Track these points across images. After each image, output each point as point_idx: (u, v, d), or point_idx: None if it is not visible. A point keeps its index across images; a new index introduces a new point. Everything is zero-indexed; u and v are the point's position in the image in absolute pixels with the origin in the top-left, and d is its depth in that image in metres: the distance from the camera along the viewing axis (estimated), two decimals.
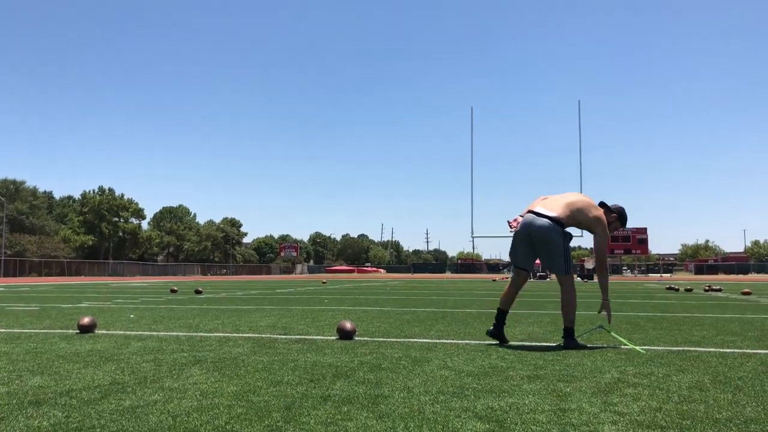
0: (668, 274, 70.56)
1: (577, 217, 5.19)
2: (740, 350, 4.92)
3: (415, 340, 5.54)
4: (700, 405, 2.98)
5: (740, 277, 64.08)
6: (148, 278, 50.95)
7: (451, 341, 5.44)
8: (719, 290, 19.47)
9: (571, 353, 4.71)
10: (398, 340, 5.53)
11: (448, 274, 79.63)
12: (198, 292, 16.69)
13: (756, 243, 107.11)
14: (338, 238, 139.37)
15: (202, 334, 6.00)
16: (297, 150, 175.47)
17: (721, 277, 66.30)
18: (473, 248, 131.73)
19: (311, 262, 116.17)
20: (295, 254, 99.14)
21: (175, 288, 18.65)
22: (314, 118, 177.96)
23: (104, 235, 76.42)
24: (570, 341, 5.04)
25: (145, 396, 3.16)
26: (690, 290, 19.51)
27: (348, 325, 5.62)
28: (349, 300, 12.71)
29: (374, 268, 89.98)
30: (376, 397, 3.12)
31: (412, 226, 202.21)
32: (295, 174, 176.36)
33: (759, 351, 4.88)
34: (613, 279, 49.29)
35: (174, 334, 6.01)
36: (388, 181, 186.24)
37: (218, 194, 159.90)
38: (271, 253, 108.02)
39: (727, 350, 4.91)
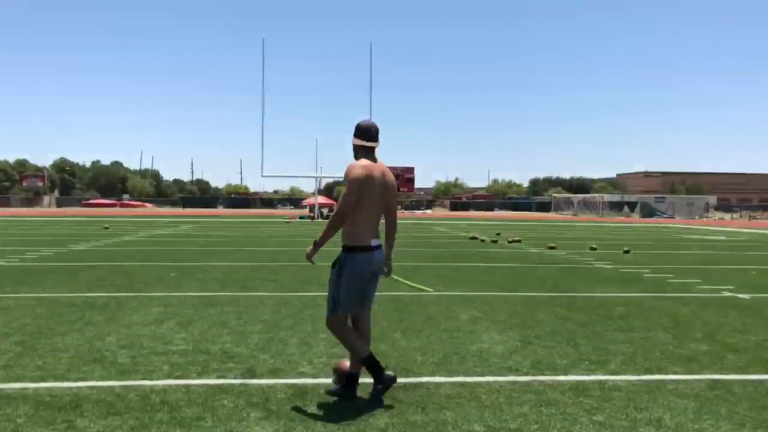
0: (430, 210, 76.65)
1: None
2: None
3: (426, 379, 4.71)
4: None
5: (489, 213, 72.02)
6: None
7: (470, 379, 4.70)
8: (519, 241, 21.05)
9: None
10: (410, 380, 4.63)
11: (220, 209, 76.79)
12: None
13: (495, 181, 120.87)
14: (87, 164, 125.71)
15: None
16: (36, 54, 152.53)
17: (473, 213, 73.81)
18: (241, 180, 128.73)
19: (56, 193, 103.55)
20: (41, 184, 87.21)
21: None
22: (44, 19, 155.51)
23: None
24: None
25: None
26: (495, 242, 20.82)
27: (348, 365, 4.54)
28: (196, 270, 11.05)
29: (139, 202, 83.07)
30: None
31: (172, 153, 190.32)
32: (34, 85, 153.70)
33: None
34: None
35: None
36: (146, 101, 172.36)
37: None
38: (7, 182, 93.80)
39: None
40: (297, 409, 3.95)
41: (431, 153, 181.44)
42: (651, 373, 4.91)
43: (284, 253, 15.61)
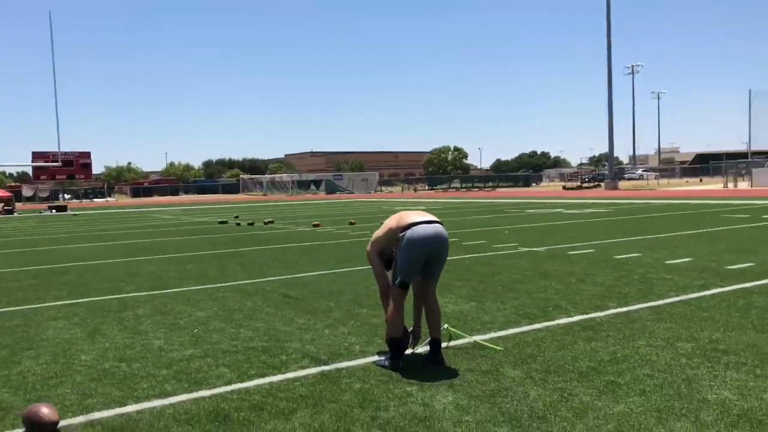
0: (113, 198, 71.00)
1: None
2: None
3: None
4: None
5: (185, 198, 69.82)
6: None
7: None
8: (272, 222, 21.46)
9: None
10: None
11: None
12: None
13: (172, 164, 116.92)
14: None
15: None
16: None
17: (156, 199, 70.76)
18: None
19: None
20: None
21: None
22: None
23: None
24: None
25: None
26: (252, 224, 20.88)
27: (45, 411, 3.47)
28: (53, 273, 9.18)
29: None
30: None
31: None
32: None
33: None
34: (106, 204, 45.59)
35: None
36: None
37: None
38: None
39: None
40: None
41: (99, 137, 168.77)
42: (601, 309, 6.22)
43: (67, 251, 13.64)
